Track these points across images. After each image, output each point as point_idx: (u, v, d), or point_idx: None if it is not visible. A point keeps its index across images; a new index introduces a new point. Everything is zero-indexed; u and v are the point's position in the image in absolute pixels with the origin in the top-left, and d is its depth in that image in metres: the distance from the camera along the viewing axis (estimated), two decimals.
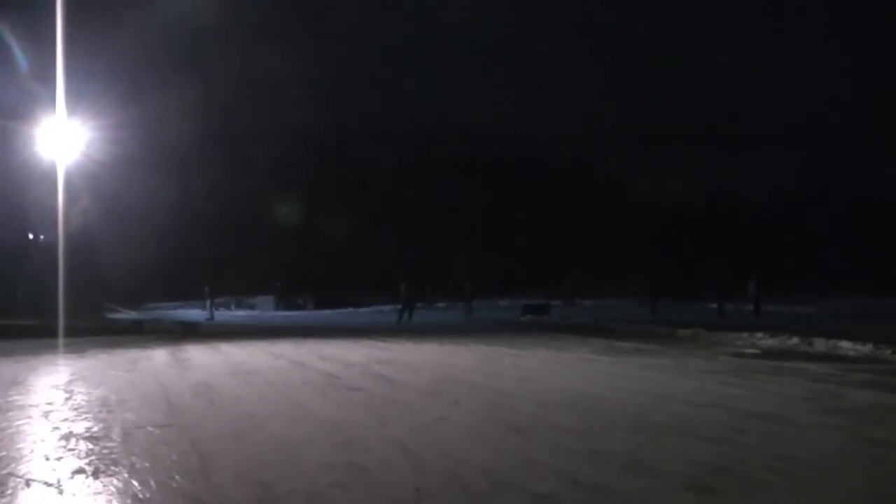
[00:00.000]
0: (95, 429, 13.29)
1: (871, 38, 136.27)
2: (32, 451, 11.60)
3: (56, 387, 19.17)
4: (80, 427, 13.44)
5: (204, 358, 26.05)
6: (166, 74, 76.73)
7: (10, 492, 9.47)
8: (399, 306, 52.39)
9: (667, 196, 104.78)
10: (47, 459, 11.09)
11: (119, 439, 12.38)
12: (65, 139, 39.75)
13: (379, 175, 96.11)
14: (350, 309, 68.29)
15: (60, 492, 9.46)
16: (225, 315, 65.46)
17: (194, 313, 63.62)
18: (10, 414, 14.86)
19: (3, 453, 11.44)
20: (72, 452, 11.51)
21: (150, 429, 13.20)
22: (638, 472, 9.93)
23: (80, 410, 15.35)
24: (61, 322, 35.86)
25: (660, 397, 15.97)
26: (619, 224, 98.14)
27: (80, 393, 17.93)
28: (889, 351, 23.05)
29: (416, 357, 25.06)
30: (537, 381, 18.54)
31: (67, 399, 16.98)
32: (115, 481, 9.84)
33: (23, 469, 10.52)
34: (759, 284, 49.61)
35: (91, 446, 11.89)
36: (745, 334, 29.45)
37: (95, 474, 10.18)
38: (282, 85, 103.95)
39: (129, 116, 51.68)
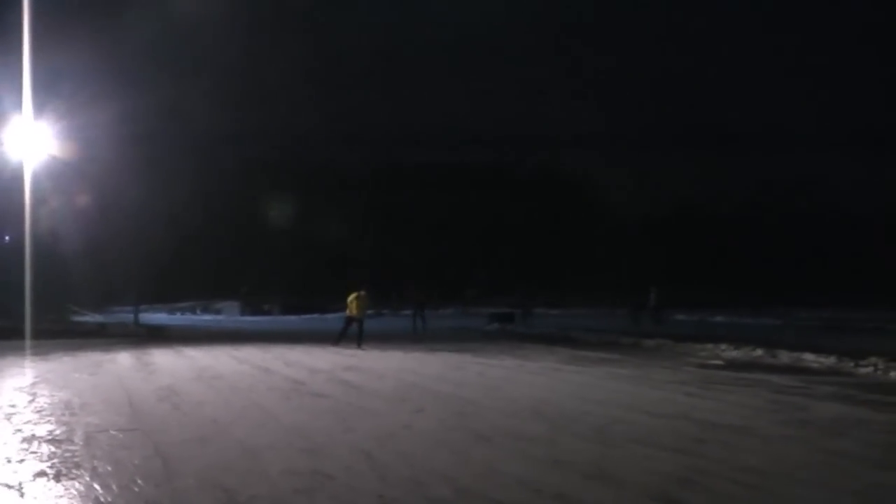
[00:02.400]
0: (58, 432, 13.25)
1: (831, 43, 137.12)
2: None
3: (20, 389, 19.12)
4: (42, 430, 13.41)
5: (168, 362, 26.01)
6: (137, 75, 76.46)
7: None
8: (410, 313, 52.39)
9: (636, 205, 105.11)
10: (9, 462, 11.06)
11: (81, 443, 12.35)
12: (32, 140, 39.54)
13: (348, 182, 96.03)
14: (317, 315, 68.23)
15: (22, 495, 9.43)
16: (190, 319, 65.41)
17: (160, 317, 63.53)
18: None
19: None
20: (34, 455, 11.48)
21: (114, 433, 13.17)
22: (602, 483, 9.96)
23: (43, 413, 15.31)
24: (28, 324, 35.66)
25: (624, 407, 16.01)
26: (587, 233, 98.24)
27: (43, 395, 17.89)
28: (852, 363, 23.18)
29: (382, 364, 25.06)
30: (503, 390, 18.57)
31: (31, 402, 16.94)
32: (76, 485, 9.81)
33: None
34: (658, 296, 49.88)
35: (53, 449, 11.86)
36: (709, 345, 29.56)
37: (57, 477, 10.16)
38: (254, 86, 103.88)
39: (99, 117, 51.35)
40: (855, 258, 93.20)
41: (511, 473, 10.40)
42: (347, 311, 33.74)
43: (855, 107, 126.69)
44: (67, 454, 11.47)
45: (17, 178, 39.54)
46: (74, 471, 10.46)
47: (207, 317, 71.73)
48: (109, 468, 10.58)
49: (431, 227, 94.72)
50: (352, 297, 33.65)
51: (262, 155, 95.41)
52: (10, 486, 9.73)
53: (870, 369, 22.39)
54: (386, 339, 36.99)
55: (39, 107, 39.31)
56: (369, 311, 36.78)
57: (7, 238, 51.81)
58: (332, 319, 61.42)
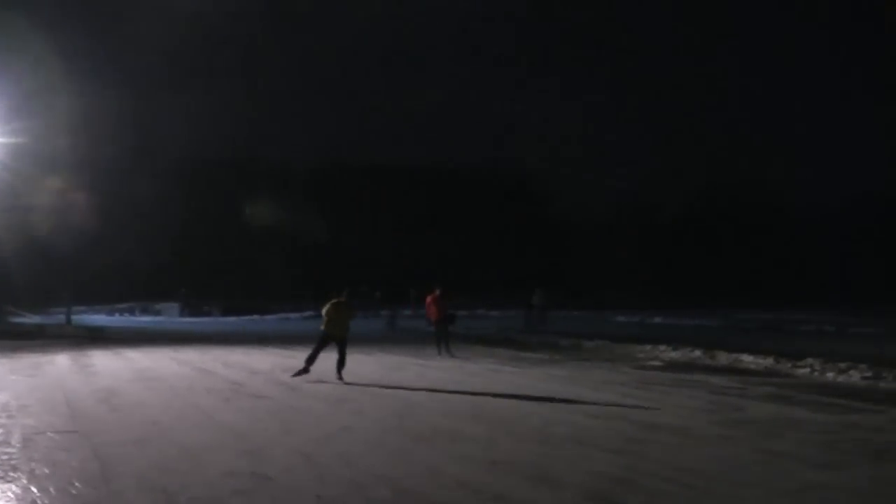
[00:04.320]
0: None
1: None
2: None
3: None
4: None
5: (108, 363, 25.84)
6: (73, 81, 75.88)
7: None
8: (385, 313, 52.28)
9: (581, 206, 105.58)
10: None
11: (19, 445, 12.26)
12: None
13: (291, 182, 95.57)
14: (256, 316, 67.92)
15: None
16: (129, 321, 64.95)
17: (99, 318, 63.02)
18: None
19: None
20: None
21: (51, 434, 13.09)
22: (540, 483, 10.02)
23: None
24: None
25: (563, 408, 16.11)
26: (532, 233, 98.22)
27: None
28: (790, 364, 23.37)
29: (321, 365, 25.02)
30: (442, 391, 18.60)
31: None
32: (13, 487, 9.76)
33: None
34: (545, 295, 50.03)
35: None
36: (647, 346, 29.66)
37: None
38: (183, 91, 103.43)
39: (37, 121, 51.02)
40: (795, 260, 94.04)
41: (450, 474, 10.44)
42: (322, 325, 22.28)
43: (799, 111, 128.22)
44: (4, 457, 11.38)
45: None
46: (11, 473, 10.39)
47: (147, 318, 71.15)
48: (47, 470, 10.53)
49: (376, 225, 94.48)
50: (328, 306, 22.21)
51: (201, 154, 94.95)
52: None
53: (807, 370, 22.59)
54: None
55: None
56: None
57: None
58: (272, 321, 61.27)
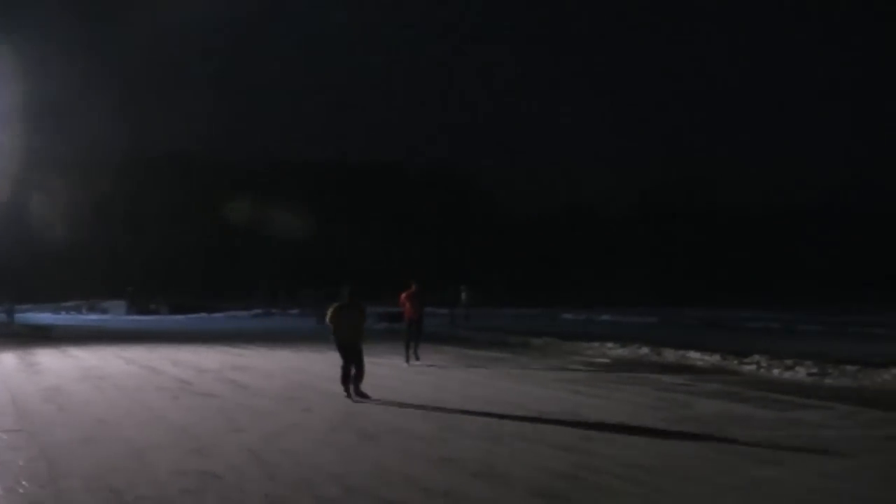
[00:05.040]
0: None
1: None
2: None
3: None
4: None
5: (54, 362, 25.68)
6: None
7: None
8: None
9: (527, 205, 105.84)
10: None
11: None
12: None
13: (232, 181, 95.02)
14: (204, 314, 67.64)
15: None
16: (75, 319, 64.46)
17: (45, 316, 62.55)
18: None
19: None
20: None
21: None
22: (488, 480, 10.05)
23: None
24: None
25: (512, 406, 16.13)
26: (475, 230, 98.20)
27: None
28: (736, 361, 23.52)
29: (271, 363, 24.99)
30: (391, 389, 18.61)
31: None
32: None
33: None
34: (470, 294, 50.28)
35: None
36: (595, 344, 29.74)
37: None
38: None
39: None
40: (741, 259, 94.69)
41: (399, 472, 10.47)
42: (333, 334, 18.43)
43: (745, 110, 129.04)
44: None
45: None
46: None
47: (93, 316, 70.59)
48: None
49: (319, 221, 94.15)
50: (329, 312, 18.73)
51: (148, 151, 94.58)
52: None
53: (753, 367, 22.75)
54: (276, 338, 36.75)
55: None
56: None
57: None
58: (219, 319, 60.98)
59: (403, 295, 26.63)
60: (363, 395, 17.11)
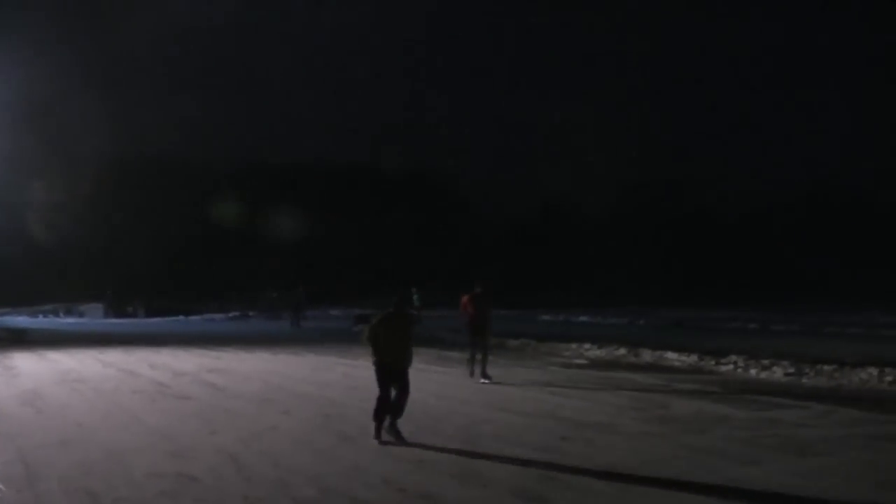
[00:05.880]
0: None
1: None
2: None
3: None
4: None
5: (31, 366, 25.59)
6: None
7: None
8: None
9: (505, 206, 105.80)
10: None
11: None
12: None
13: (207, 183, 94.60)
14: (181, 317, 67.50)
15: None
16: (52, 322, 64.26)
17: (21, 320, 62.37)
18: None
19: None
20: None
21: None
22: (466, 481, 10.08)
23: None
24: None
25: (490, 407, 16.18)
26: (451, 233, 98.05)
27: None
28: (713, 362, 23.61)
29: (248, 366, 24.95)
30: (368, 391, 18.48)
31: None
32: None
33: None
34: (421, 296, 50.46)
35: None
36: (573, 345, 29.76)
37: None
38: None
39: None
40: (718, 259, 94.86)
41: (376, 473, 10.49)
42: (372, 355, 13.73)
43: (725, 112, 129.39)
44: None
45: None
46: None
47: (71, 319, 70.39)
48: None
49: (298, 224, 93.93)
50: (373, 323, 13.95)
51: (125, 154, 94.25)
52: None
53: (730, 367, 22.87)
54: (253, 341, 36.70)
55: None
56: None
57: None
58: (196, 322, 60.85)
59: (465, 298, 22.39)
60: (398, 435, 12.88)
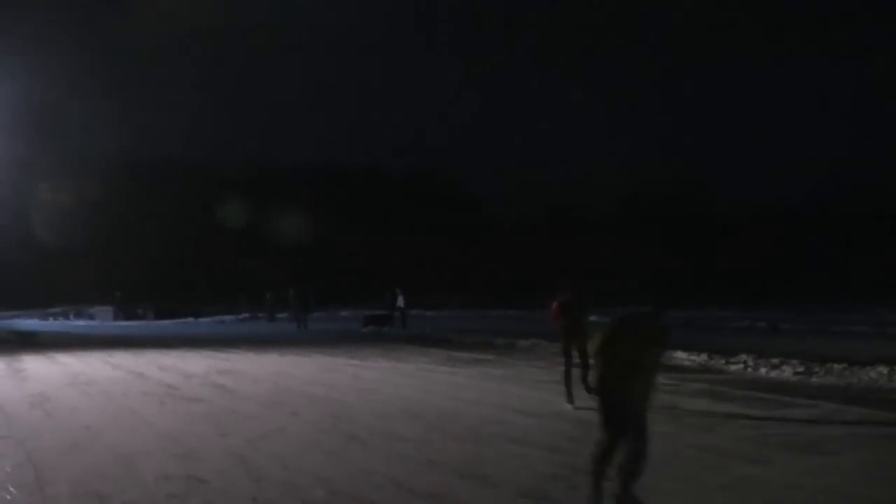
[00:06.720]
0: None
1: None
2: None
3: None
4: None
5: (41, 368, 25.60)
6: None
7: None
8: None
9: (513, 206, 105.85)
10: None
11: None
12: None
13: (215, 185, 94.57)
14: (190, 319, 67.53)
15: None
16: (62, 325, 64.28)
17: (32, 323, 62.42)
18: None
19: None
20: None
21: None
22: (475, 481, 10.08)
23: None
24: None
25: (498, 407, 16.16)
26: (459, 235, 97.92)
27: None
28: (723, 361, 23.55)
29: (257, 368, 24.94)
30: (377, 392, 18.61)
31: None
32: None
33: None
34: (405, 298, 50.41)
35: None
36: None
37: None
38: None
39: None
40: (726, 259, 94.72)
41: (385, 474, 10.48)
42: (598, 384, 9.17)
43: (736, 113, 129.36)
44: None
45: None
46: None
47: (81, 322, 70.44)
48: None
49: (308, 226, 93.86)
50: (603, 337, 9.23)
51: (135, 157, 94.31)
52: None
53: (740, 366, 22.77)
54: (262, 342, 36.68)
55: None
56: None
57: None
58: (205, 323, 60.85)
59: (556, 304, 18.07)
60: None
